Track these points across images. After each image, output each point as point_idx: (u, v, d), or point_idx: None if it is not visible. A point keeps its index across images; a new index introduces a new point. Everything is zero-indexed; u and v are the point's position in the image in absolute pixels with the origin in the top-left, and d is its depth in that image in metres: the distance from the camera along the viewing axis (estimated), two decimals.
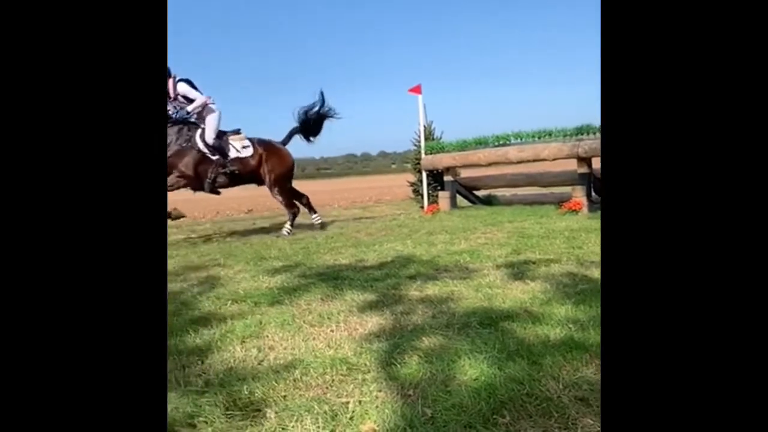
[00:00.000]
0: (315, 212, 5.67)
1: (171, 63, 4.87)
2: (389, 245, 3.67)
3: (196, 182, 5.07)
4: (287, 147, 5.59)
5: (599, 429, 0.99)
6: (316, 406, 1.14)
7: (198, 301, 2.29)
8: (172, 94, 4.92)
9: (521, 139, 6.22)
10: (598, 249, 2.77)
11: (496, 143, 6.42)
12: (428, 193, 6.95)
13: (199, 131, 5.01)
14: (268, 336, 1.71)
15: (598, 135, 5.37)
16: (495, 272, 2.51)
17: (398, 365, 1.36)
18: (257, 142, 5.30)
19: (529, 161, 6.02)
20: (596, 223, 3.99)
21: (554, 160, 5.80)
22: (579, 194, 5.35)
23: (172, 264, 3.43)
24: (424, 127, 7.04)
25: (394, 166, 61.80)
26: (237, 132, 5.25)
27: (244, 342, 1.66)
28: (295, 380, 1.31)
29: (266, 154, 5.27)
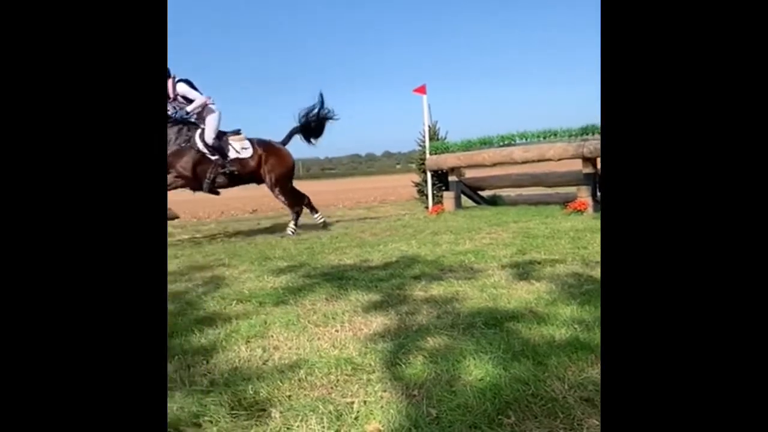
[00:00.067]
0: (317, 212, 5.67)
1: (171, 63, 4.87)
2: (394, 245, 3.67)
3: (194, 182, 5.07)
4: (287, 147, 5.58)
5: None
6: (320, 406, 1.14)
7: (203, 301, 2.30)
8: (171, 95, 4.92)
9: (526, 139, 6.20)
10: None
11: (501, 143, 6.41)
12: (433, 194, 6.94)
13: (198, 131, 5.01)
14: (272, 336, 1.71)
15: None
16: (500, 272, 2.50)
17: (403, 365, 1.35)
18: (257, 143, 5.29)
19: (534, 161, 6.00)
20: None
21: (559, 160, 5.78)
22: (584, 194, 5.34)
23: (177, 264, 3.44)
24: (429, 127, 7.03)
25: (398, 167, 61.86)
26: (237, 132, 5.25)
27: (249, 342, 1.66)
28: (299, 380, 1.31)
29: (266, 154, 5.26)
